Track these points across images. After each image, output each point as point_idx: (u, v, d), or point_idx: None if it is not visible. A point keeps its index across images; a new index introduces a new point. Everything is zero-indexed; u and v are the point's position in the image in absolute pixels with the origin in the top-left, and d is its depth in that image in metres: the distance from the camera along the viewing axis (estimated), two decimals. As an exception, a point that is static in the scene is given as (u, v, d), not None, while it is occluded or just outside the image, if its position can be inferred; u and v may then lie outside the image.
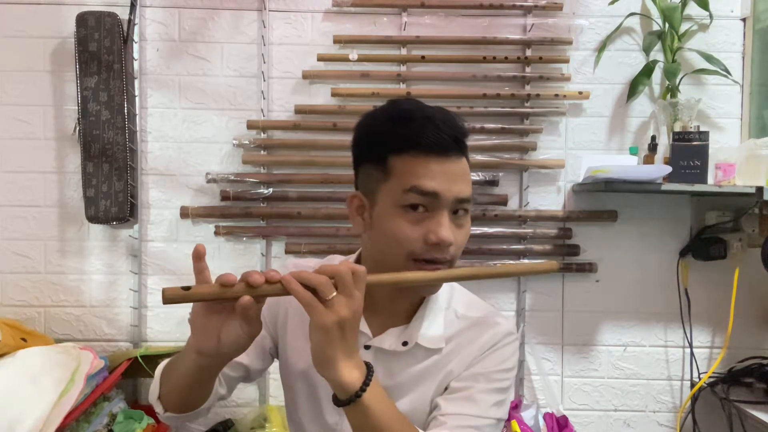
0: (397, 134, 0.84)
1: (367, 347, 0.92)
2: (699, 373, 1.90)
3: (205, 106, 1.92)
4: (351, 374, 0.74)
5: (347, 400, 0.74)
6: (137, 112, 1.90)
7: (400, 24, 1.91)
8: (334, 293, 0.72)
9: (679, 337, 1.94)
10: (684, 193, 1.87)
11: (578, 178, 1.88)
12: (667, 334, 1.95)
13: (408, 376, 0.91)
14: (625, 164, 1.79)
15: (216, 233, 1.88)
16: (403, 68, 1.90)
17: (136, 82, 1.89)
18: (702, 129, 1.78)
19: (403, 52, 1.90)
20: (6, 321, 1.71)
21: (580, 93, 1.89)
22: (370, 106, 1.77)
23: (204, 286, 0.73)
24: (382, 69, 1.90)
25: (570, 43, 1.90)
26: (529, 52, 1.91)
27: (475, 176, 1.88)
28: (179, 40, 1.91)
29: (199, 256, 0.74)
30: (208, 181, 1.88)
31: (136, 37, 1.88)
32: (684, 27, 1.88)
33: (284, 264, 1.07)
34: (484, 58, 1.88)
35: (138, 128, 1.90)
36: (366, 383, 0.75)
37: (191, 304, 0.76)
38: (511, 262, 1.88)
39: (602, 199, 1.91)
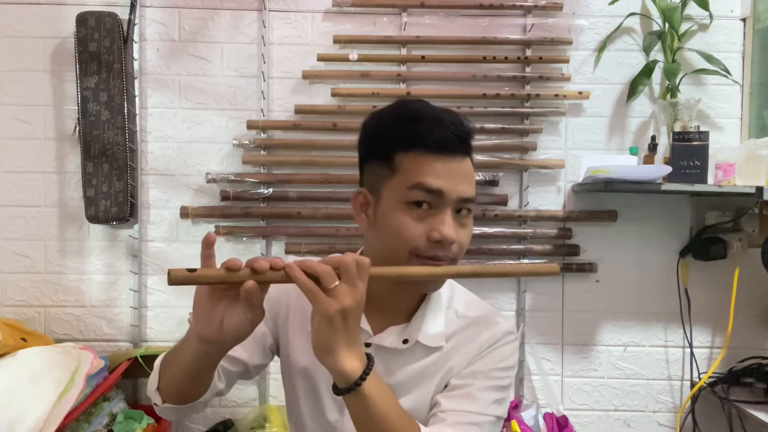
0: (404, 132, 0.85)
1: (367, 345, 0.92)
2: (699, 373, 1.90)
3: (205, 106, 1.92)
4: (352, 363, 0.75)
5: (347, 388, 0.75)
6: (137, 112, 1.90)
7: (400, 24, 1.91)
8: (337, 282, 0.73)
9: (679, 337, 1.94)
10: (684, 193, 1.87)
11: (578, 178, 1.88)
12: (667, 334, 1.95)
13: (408, 374, 0.91)
14: (625, 164, 1.79)
15: (216, 233, 1.88)
16: (403, 68, 1.90)
17: (136, 82, 1.89)
18: (702, 129, 1.78)
19: (403, 52, 1.90)
20: (6, 321, 1.71)
21: (580, 93, 1.89)
22: (370, 106, 1.80)
23: (209, 270, 0.73)
24: (382, 69, 1.90)
25: (570, 43, 1.90)
26: (529, 52, 1.91)
27: (475, 176, 1.88)
28: (179, 40, 1.91)
29: (209, 243, 0.75)
30: (208, 181, 1.88)
31: (136, 37, 1.88)
32: (684, 27, 1.88)
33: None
34: (484, 58, 1.88)
35: (138, 128, 1.90)
36: (366, 372, 0.75)
37: (193, 304, 0.77)
38: (513, 262, 1.88)
39: (602, 199, 1.91)
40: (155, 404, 0.90)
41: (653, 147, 1.86)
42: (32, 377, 1.48)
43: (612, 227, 1.93)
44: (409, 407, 0.89)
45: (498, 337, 0.92)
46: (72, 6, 1.86)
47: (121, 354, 1.80)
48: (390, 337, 0.92)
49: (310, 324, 0.75)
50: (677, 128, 1.79)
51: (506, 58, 1.89)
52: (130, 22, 1.85)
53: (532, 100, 1.89)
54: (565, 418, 1.83)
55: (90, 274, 1.92)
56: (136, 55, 1.88)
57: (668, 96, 1.86)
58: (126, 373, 1.70)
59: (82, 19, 1.81)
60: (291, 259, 0.77)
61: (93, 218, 1.83)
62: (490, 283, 1.93)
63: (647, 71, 1.89)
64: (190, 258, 1.90)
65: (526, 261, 1.90)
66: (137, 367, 1.71)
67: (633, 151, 1.87)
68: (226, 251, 1.92)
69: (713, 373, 1.85)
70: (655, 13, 1.90)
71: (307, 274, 0.72)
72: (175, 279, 0.71)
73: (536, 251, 1.89)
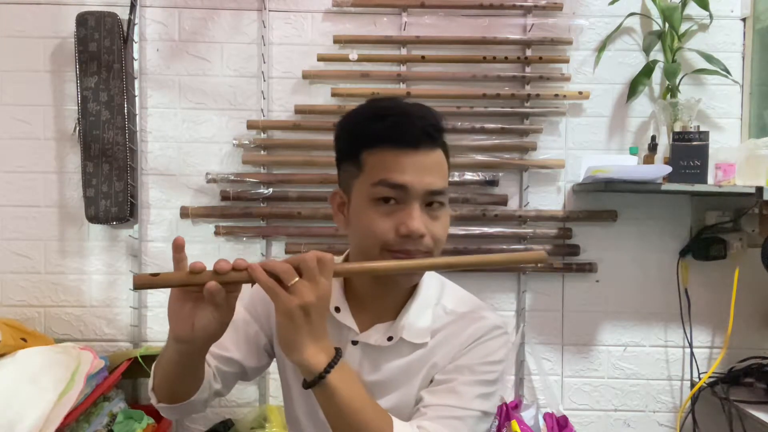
0: (370, 130, 0.86)
1: (354, 343, 0.93)
2: (699, 373, 1.90)
3: (205, 106, 1.92)
4: (316, 357, 0.76)
5: (312, 381, 0.77)
6: (137, 112, 1.90)
7: (400, 24, 1.91)
8: (297, 279, 0.75)
9: (679, 337, 1.94)
10: (684, 193, 1.87)
11: (578, 178, 1.88)
12: (667, 334, 1.95)
13: (394, 371, 0.92)
14: (625, 164, 1.79)
15: (216, 233, 1.88)
16: (403, 68, 1.90)
17: (136, 82, 1.89)
18: (702, 129, 1.78)
19: (403, 52, 1.90)
20: (6, 321, 1.71)
21: (580, 93, 1.89)
22: (370, 106, 1.79)
23: (172, 273, 0.76)
24: (382, 69, 1.90)
25: (570, 43, 1.90)
26: (529, 52, 1.91)
27: (475, 176, 1.88)
28: (179, 40, 1.91)
29: (178, 247, 0.77)
30: (208, 181, 1.88)
31: (136, 37, 1.88)
32: (684, 27, 1.88)
33: None
34: (484, 58, 1.88)
35: (138, 128, 1.90)
36: (331, 365, 0.77)
37: (167, 306, 0.79)
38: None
39: (602, 199, 1.91)
40: (153, 403, 0.92)
41: (653, 147, 1.86)
42: (32, 377, 1.48)
43: (612, 227, 1.93)
44: (395, 404, 0.90)
45: (484, 331, 0.91)
46: (72, 6, 1.86)
47: (121, 354, 1.80)
48: (375, 335, 0.92)
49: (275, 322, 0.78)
50: (677, 128, 1.79)
51: (506, 58, 1.89)
52: (130, 22, 1.85)
53: (532, 100, 1.89)
54: (565, 418, 1.83)
55: (90, 274, 1.92)
56: (136, 55, 1.88)
57: (668, 96, 1.86)
58: (126, 373, 1.71)
59: (82, 19, 1.81)
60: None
61: (93, 218, 1.83)
62: (490, 283, 1.93)
63: (647, 71, 1.89)
64: (190, 258, 1.89)
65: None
66: (137, 367, 1.71)
67: (633, 151, 1.87)
68: (226, 251, 1.92)
69: (713, 373, 1.86)
70: (655, 13, 1.90)
71: (269, 274, 0.75)
72: (140, 284, 0.76)
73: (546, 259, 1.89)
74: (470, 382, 0.88)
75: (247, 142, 1.88)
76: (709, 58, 1.87)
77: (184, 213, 1.88)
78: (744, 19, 1.93)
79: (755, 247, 1.77)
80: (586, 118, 1.94)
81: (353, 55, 1.87)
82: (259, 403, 1.93)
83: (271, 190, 1.88)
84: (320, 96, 1.91)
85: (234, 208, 1.88)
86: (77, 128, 1.83)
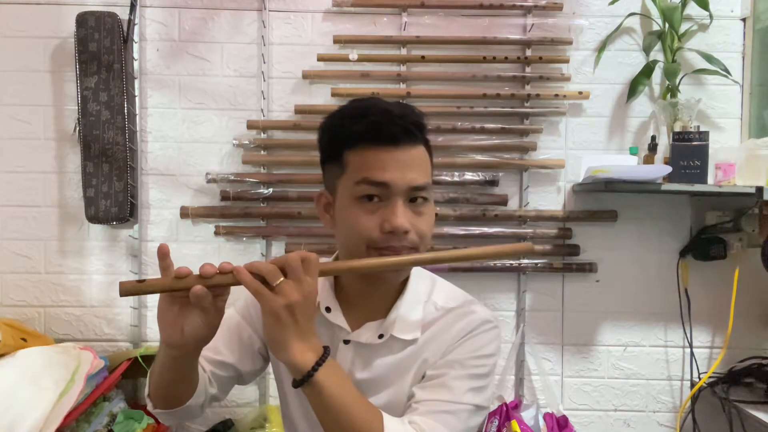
0: (351, 130, 0.86)
1: (346, 342, 0.93)
2: (699, 373, 1.90)
3: (205, 106, 1.92)
4: (304, 355, 0.77)
5: (301, 380, 0.77)
6: (137, 112, 1.90)
7: (400, 24, 1.91)
8: (281, 278, 0.75)
9: (679, 337, 1.94)
10: (684, 193, 1.87)
11: (578, 178, 1.88)
12: (667, 334, 1.95)
13: (386, 369, 0.92)
14: (625, 164, 1.79)
15: (216, 233, 1.88)
16: (403, 68, 1.90)
17: (136, 82, 1.89)
18: (702, 129, 1.78)
19: (403, 52, 1.90)
20: (6, 321, 1.71)
21: (580, 93, 1.89)
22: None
23: (158, 279, 0.77)
24: (382, 69, 1.90)
25: (570, 43, 1.90)
26: (529, 52, 1.91)
27: (475, 176, 1.89)
28: (179, 40, 1.91)
29: (163, 255, 0.78)
30: (208, 181, 1.88)
31: (136, 37, 1.88)
32: (684, 27, 1.88)
33: None
34: (484, 58, 1.88)
35: (138, 128, 1.90)
36: (319, 363, 0.77)
37: (157, 312, 0.80)
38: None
39: (602, 199, 1.91)
40: (149, 409, 0.93)
41: (653, 147, 1.86)
42: (32, 377, 1.48)
43: (612, 227, 1.93)
44: (388, 401, 0.90)
45: (474, 326, 0.91)
46: (72, 6, 1.86)
47: (121, 354, 1.80)
48: (366, 333, 0.93)
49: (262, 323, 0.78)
50: (677, 128, 1.79)
51: (506, 58, 1.89)
52: (130, 22, 1.85)
53: (532, 100, 1.89)
54: (565, 418, 1.83)
55: (90, 274, 1.92)
56: (136, 55, 1.88)
57: (668, 96, 1.86)
58: (126, 373, 1.70)
59: (82, 19, 1.81)
60: None
61: (93, 218, 1.83)
62: (490, 283, 1.92)
63: (647, 71, 1.89)
64: (190, 258, 1.90)
65: (525, 261, 1.90)
66: (137, 367, 1.71)
67: (633, 151, 1.87)
68: (226, 251, 1.92)
69: (713, 373, 1.85)
70: (655, 13, 1.90)
71: (254, 275, 0.75)
72: (126, 291, 0.76)
73: (536, 251, 1.89)
74: (461, 376, 0.88)
75: (247, 142, 1.88)
76: (709, 58, 1.87)
77: (184, 213, 1.88)
78: (744, 19, 1.93)
79: (755, 247, 1.77)
80: (586, 118, 1.94)
81: (353, 55, 1.87)
82: (259, 403, 1.93)
83: (271, 190, 1.88)
84: (320, 96, 1.91)
85: (234, 208, 1.88)
86: (77, 128, 1.83)
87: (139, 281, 0.76)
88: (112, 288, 1.92)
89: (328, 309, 0.94)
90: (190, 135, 1.92)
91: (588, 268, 1.90)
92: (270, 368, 1.05)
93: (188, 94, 1.92)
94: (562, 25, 1.92)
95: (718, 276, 1.90)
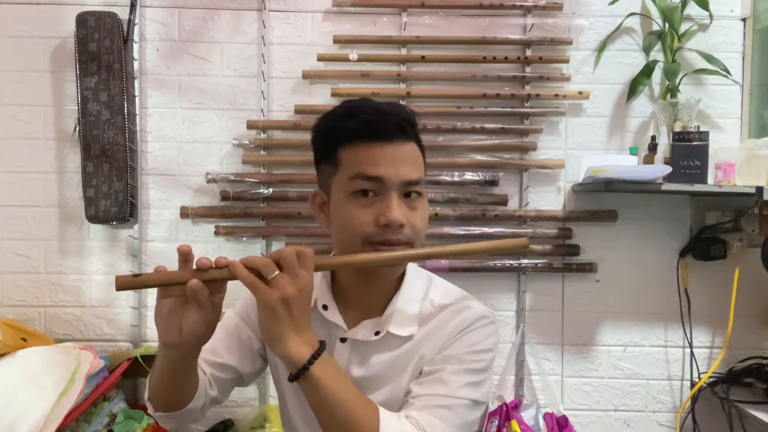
0: (344, 128, 0.88)
1: (343, 340, 0.94)
2: (699, 373, 1.90)
3: (205, 106, 1.92)
4: (299, 349, 0.77)
5: (296, 374, 0.77)
6: (137, 112, 1.90)
7: (400, 24, 1.91)
8: (276, 272, 0.75)
9: (679, 337, 1.94)
10: (684, 193, 1.87)
11: (578, 178, 1.88)
12: (667, 334, 1.95)
13: (383, 366, 0.92)
14: (625, 164, 1.79)
15: (216, 233, 1.88)
16: (403, 68, 1.90)
17: (136, 82, 1.89)
18: (702, 129, 1.78)
19: (403, 52, 1.90)
20: (6, 321, 1.71)
21: (580, 93, 1.89)
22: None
23: (153, 273, 0.77)
24: (382, 69, 1.90)
25: (570, 43, 1.90)
26: (529, 52, 1.91)
27: (475, 176, 1.89)
28: (179, 40, 1.91)
29: (185, 258, 0.78)
30: (208, 181, 1.88)
31: (136, 37, 1.88)
32: (684, 27, 1.88)
33: None
34: (484, 58, 1.88)
35: (138, 128, 1.90)
36: (315, 357, 0.77)
37: (154, 312, 0.81)
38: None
39: (602, 199, 1.91)
40: (150, 413, 0.93)
41: (653, 147, 1.86)
42: (32, 377, 1.48)
43: (612, 227, 1.93)
44: (386, 398, 0.90)
45: (470, 321, 0.92)
46: (72, 6, 1.86)
47: (121, 354, 1.80)
48: (363, 331, 0.93)
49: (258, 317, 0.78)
50: (677, 128, 1.79)
51: (506, 58, 1.89)
52: (130, 22, 1.85)
53: (532, 100, 1.89)
54: (565, 418, 1.83)
55: (90, 274, 1.92)
56: (136, 55, 1.88)
57: (668, 96, 1.86)
58: (126, 373, 1.71)
59: (82, 19, 1.81)
60: None
61: (93, 218, 1.83)
62: (489, 283, 1.92)
63: (647, 71, 1.89)
64: (190, 258, 1.90)
65: (525, 261, 1.90)
66: (137, 367, 1.71)
67: (633, 151, 1.87)
68: (226, 251, 1.92)
69: (713, 373, 1.85)
70: (655, 13, 1.90)
71: (249, 269, 0.76)
72: (121, 285, 0.76)
73: (536, 251, 1.89)
74: (458, 371, 0.88)
75: (247, 142, 1.88)
76: (709, 58, 1.87)
77: (184, 213, 1.88)
78: (744, 19, 1.93)
79: (755, 247, 1.76)
80: (586, 118, 1.94)
81: (353, 55, 1.87)
82: (259, 403, 1.93)
83: (271, 190, 1.88)
84: (320, 96, 1.91)
85: (234, 208, 1.88)
86: (77, 128, 1.83)
87: (135, 275, 0.76)
88: (112, 288, 1.92)
89: (325, 307, 0.94)
90: (190, 135, 1.92)
91: (588, 268, 1.90)
92: (269, 368, 1.05)
93: (188, 94, 1.92)
94: (562, 25, 1.92)
95: (718, 276, 1.90)
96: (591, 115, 1.94)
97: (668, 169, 1.69)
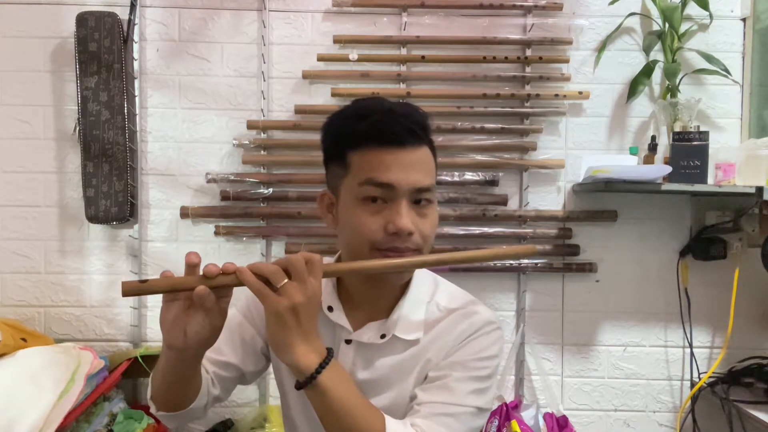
0: (354, 130, 0.86)
1: (348, 342, 0.93)
2: (699, 373, 1.90)
3: (205, 106, 1.92)
4: (307, 357, 0.76)
5: (304, 382, 0.77)
6: (137, 112, 1.90)
7: (400, 24, 1.91)
8: (285, 280, 0.75)
9: (679, 337, 1.94)
10: (684, 193, 1.87)
11: (578, 178, 1.88)
12: (667, 334, 1.95)
13: (388, 369, 0.92)
14: (625, 164, 1.79)
15: (216, 233, 1.88)
16: (403, 68, 1.90)
17: (136, 82, 1.89)
18: (702, 129, 1.78)
19: (403, 52, 1.90)
20: (6, 321, 1.71)
21: (580, 93, 1.89)
22: (370, 106, 1.79)
23: (160, 279, 0.76)
24: (382, 69, 1.90)
25: (570, 43, 1.90)
26: (529, 52, 1.91)
27: (475, 176, 1.89)
28: (179, 40, 1.91)
29: (192, 266, 0.77)
30: (208, 181, 1.88)
31: (136, 37, 1.88)
32: (684, 27, 1.88)
33: None
34: (484, 58, 1.88)
35: (138, 128, 1.90)
36: (322, 365, 0.77)
37: (159, 315, 0.79)
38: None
39: (602, 199, 1.91)
40: (152, 412, 0.92)
41: (653, 147, 1.86)
42: (32, 377, 1.48)
43: (612, 227, 1.93)
44: (390, 402, 0.90)
45: (477, 327, 0.91)
46: (72, 6, 1.86)
47: (121, 354, 1.80)
48: (368, 333, 0.92)
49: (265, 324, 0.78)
50: (677, 128, 1.79)
51: (506, 58, 1.89)
52: (130, 22, 1.85)
53: (532, 100, 1.89)
54: (565, 418, 1.83)
55: (90, 274, 1.92)
56: (136, 55, 1.88)
57: (668, 96, 1.86)
58: (126, 373, 1.70)
59: (82, 19, 1.81)
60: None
61: (93, 218, 1.83)
62: (489, 283, 1.92)
63: (647, 71, 1.89)
64: (190, 258, 1.90)
65: (525, 261, 1.90)
66: (137, 367, 1.71)
67: (633, 151, 1.87)
68: (226, 251, 1.92)
69: (713, 373, 1.85)
70: (655, 13, 1.90)
71: (257, 276, 0.75)
72: (128, 291, 0.75)
73: (536, 251, 1.89)
74: (463, 378, 0.87)
75: (247, 142, 1.88)
76: (709, 58, 1.87)
77: (184, 213, 1.88)
78: (744, 19, 1.93)
79: (755, 247, 1.76)
80: (586, 118, 1.94)
81: (353, 55, 1.87)
82: (259, 403, 1.93)
83: (271, 190, 1.88)
84: (320, 96, 1.91)
85: (234, 208, 1.88)
86: (77, 128, 1.83)
87: (142, 281, 0.75)
88: (112, 288, 1.92)
89: (330, 308, 0.94)
90: (190, 135, 1.92)
91: (588, 268, 1.90)
92: (271, 368, 1.05)
93: (188, 94, 1.92)
94: (562, 25, 1.92)
95: (718, 276, 1.90)
96: (591, 115, 1.94)
97: (668, 169, 1.69)
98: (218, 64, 1.92)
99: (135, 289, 0.75)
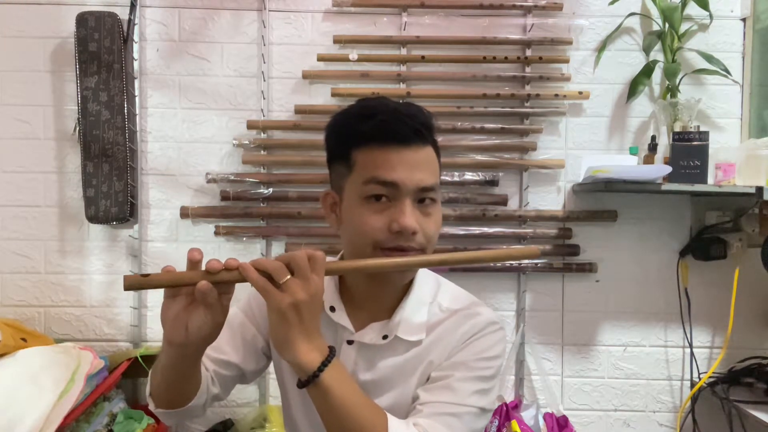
0: (358, 129, 0.86)
1: (350, 342, 0.93)
2: (699, 373, 1.90)
3: (205, 106, 1.92)
4: (309, 355, 0.76)
5: (306, 381, 0.76)
6: (137, 112, 1.90)
7: (400, 24, 1.91)
8: (288, 277, 0.74)
9: (679, 337, 1.94)
10: (684, 193, 1.87)
11: (578, 178, 1.88)
12: (667, 334, 1.95)
13: (390, 370, 0.91)
14: (625, 164, 1.79)
15: (216, 233, 1.88)
16: (403, 68, 1.90)
17: (136, 82, 1.89)
18: (702, 129, 1.78)
19: (403, 52, 1.90)
20: (6, 321, 1.71)
21: (580, 93, 1.89)
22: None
23: (162, 274, 0.75)
24: (382, 69, 1.90)
25: (570, 43, 1.90)
26: (529, 52, 1.91)
27: (475, 176, 1.89)
28: (179, 40, 1.91)
29: (194, 263, 0.76)
30: (208, 181, 1.88)
31: (136, 37, 1.88)
32: (684, 27, 1.88)
33: None
34: (484, 58, 1.88)
35: (138, 128, 1.90)
36: (324, 364, 0.76)
37: (160, 310, 0.79)
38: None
39: (602, 199, 1.91)
40: (151, 409, 0.92)
41: (653, 147, 1.86)
42: (32, 377, 1.48)
43: (612, 227, 1.93)
44: (392, 402, 0.90)
45: (479, 327, 0.91)
46: (72, 6, 1.86)
47: (121, 354, 1.80)
48: (371, 334, 0.92)
49: (268, 321, 0.77)
50: (677, 128, 1.79)
51: (506, 58, 1.89)
52: (130, 22, 1.85)
53: (532, 100, 1.89)
54: (565, 418, 1.83)
55: (90, 274, 1.92)
56: (136, 55, 1.88)
57: (668, 96, 1.86)
58: (126, 373, 1.71)
59: (82, 19, 1.81)
60: None
61: (93, 218, 1.83)
62: (489, 283, 1.93)
63: (647, 71, 1.89)
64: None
65: (525, 261, 1.90)
66: (137, 367, 1.71)
67: (633, 151, 1.87)
68: (226, 251, 1.92)
69: (713, 373, 1.85)
70: (655, 13, 1.90)
71: (260, 272, 0.74)
72: (130, 284, 0.75)
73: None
74: (466, 378, 0.87)
75: (247, 142, 1.88)
76: (709, 58, 1.87)
77: (184, 213, 1.88)
78: (744, 19, 1.93)
79: (755, 247, 1.76)
80: (586, 118, 1.94)
81: (353, 55, 1.87)
82: (259, 403, 1.93)
83: (271, 190, 1.88)
84: (320, 96, 1.91)
85: (234, 208, 1.88)
86: (77, 128, 1.83)
87: (144, 275, 0.75)
88: (112, 288, 1.92)
89: (332, 308, 0.94)
90: (190, 135, 1.92)
91: (588, 268, 1.90)
92: (271, 368, 1.05)
93: (188, 94, 1.92)
94: (562, 25, 1.92)
95: (718, 276, 1.90)
96: (591, 115, 1.94)
97: (668, 169, 1.69)
98: (218, 64, 1.92)
99: (137, 283, 0.75)
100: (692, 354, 1.92)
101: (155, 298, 1.92)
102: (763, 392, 1.72)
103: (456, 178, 1.88)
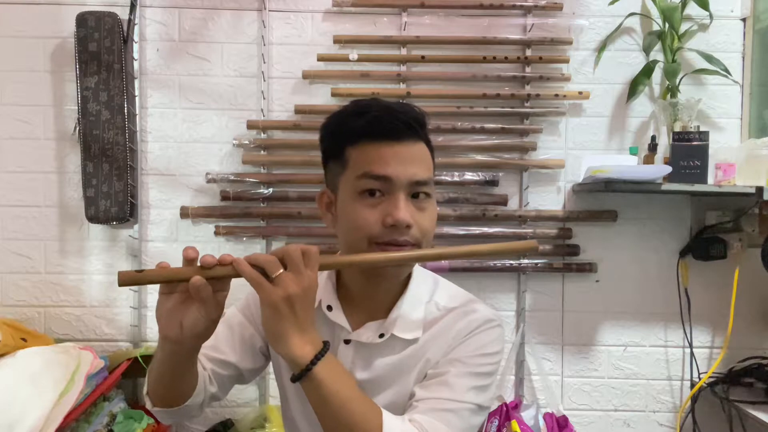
0: (352, 126, 0.86)
1: (347, 342, 0.93)
2: (699, 373, 1.90)
3: (205, 106, 1.92)
4: (302, 349, 0.76)
5: (299, 374, 0.76)
6: (137, 112, 1.90)
7: (400, 24, 1.91)
8: (281, 270, 0.75)
9: (679, 337, 1.94)
10: (684, 193, 1.87)
11: (578, 178, 1.88)
12: (667, 334, 1.95)
13: (387, 368, 0.91)
14: (625, 164, 1.79)
15: (216, 233, 1.88)
16: (403, 68, 1.90)
17: (136, 82, 1.89)
18: (702, 129, 1.78)
19: (403, 52, 1.90)
20: (6, 321, 1.71)
21: (580, 93, 1.89)
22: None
23: (156, 269, 0.76)
24: (382, 69, 1.90)
25: (570, 43, 1.90)
26: (529, 52, 1.91)
27: (475, 176, 1.89)
28: (179, 40, 1.91)
29: (190, 261, 0.77)
30: (208, 181, 1.88)
31: (136, 37, 1.88)
32: (684, 27, 1.88)
33: None
34: (484, 58, 1.88)
35: (138, 128, 1.90)
36: (318, 357, 0.77)
37: (156, 306, 0.80)
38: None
39: (602, 199, 1.91)
40: (148, 407, 0.92)
41: (653, 147, 1.86)
42: (32, 377, 1.48)
43: (612, 227, 1.93)
44: (390, 400, 0.90)
45: (476, 324, 0.91)
46: (72, 6, 1.86)
47: (121, 354, 1.80)
48: (367, 333, 0.92)
49: (261, 315, 0.78)
50: (677, 128, 1.79)
51: (506, 58, 1.89)
52: (130, 22, 1.85)
53: (532, 100, 1.89)
54: (565, 418, 1.83)
55: (90, 274, 1.92)
56: (136, 55, 1.88)
57: (668, 96, 1.86)
58: (126, 373, 1.71)
59: (82, 19, 1.81)
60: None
61: (93, 218, 1.83)
62: (489, 283, 1.92)
63: (647, 71, 1.89)
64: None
65: (525, 261, 1.90)
66: (137, 367, 1.71)
67: (633, 151, 1.87)
68: (226, 251, 1.88)
69: (713, 373, 1.86)
70: (655, 13, 1.90)
71: (253, 266, 0.75)
72: (125, 280, 0.75)
73: (538, 250, 1.89)
74: (463, 374, 0.87)
75: (247, 142, 1.88)
76: (709, 58, 1.87)
77: (184, 213, 1.88)
78: (744, 19, 1.93)
79: (755, 247, 1.76)
80: (586, 118, 1.94)
81: (353, 55, 1.87)
82: (259, 403, 1.93)
83: (271, 190, 1.88)
84: (320, 96, 1.91)
85: (234, 208, 1.88)
86: (77, 128, 1.83)
87: (138, 271, 0.75)
88: (112, 288, 1.92)
89: (329, 308, 0.94)
90: (190, 135, 1.92)
91: (588, 268, 1.90)
92: (270, 368, 1.05)
93: (188, 94, 1.92)
94: (562, 25, 1.92)
95: (718, 276, 1.90)
96: (591, 115, 1.94)
97: (668, 169, 1.69)
98: (218, 64, 1.92)
99: (131, 279, 0.75)
100: (692, 354, 1.92)
101: (155, 298, 1.91)
102: (763, 392, 1.72)
103: (456, 178, 1.88)
